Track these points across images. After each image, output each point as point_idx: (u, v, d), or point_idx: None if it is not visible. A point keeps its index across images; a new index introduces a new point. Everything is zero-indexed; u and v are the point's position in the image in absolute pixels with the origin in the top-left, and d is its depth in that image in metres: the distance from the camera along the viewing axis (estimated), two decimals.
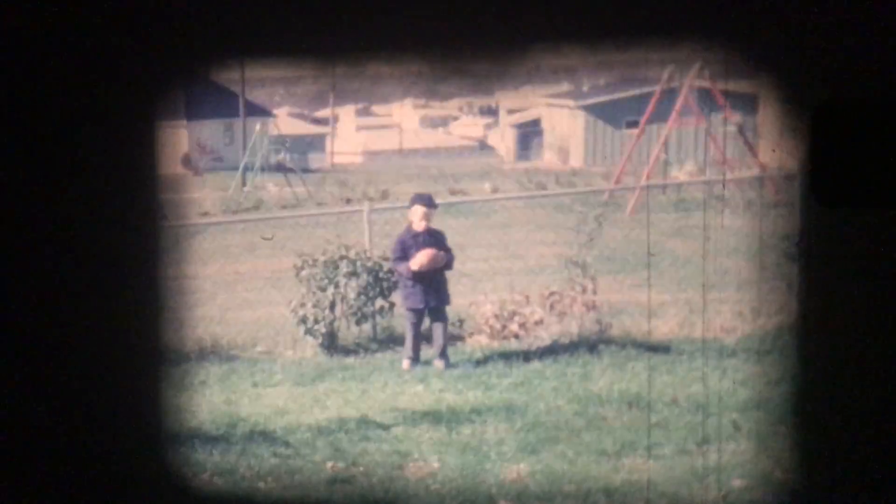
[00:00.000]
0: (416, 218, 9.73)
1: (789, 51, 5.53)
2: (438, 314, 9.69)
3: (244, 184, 14.09)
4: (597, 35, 6.03)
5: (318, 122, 15.57)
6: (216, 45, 7.06)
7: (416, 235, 9.71)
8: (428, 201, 9.89)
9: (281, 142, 14.43)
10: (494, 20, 6.00)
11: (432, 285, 9.67)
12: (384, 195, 13.69)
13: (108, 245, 6.66)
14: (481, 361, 9.57)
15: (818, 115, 5.27)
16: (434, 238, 9.73)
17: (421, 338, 9.68)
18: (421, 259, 9.59)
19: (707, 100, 11.25)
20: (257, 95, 14.45)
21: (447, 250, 9.78)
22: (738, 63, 6.02)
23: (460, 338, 10.19)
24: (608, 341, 9.70)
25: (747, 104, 9.88)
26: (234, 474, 7.65)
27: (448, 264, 9.78)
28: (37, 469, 6.84)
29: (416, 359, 9.56)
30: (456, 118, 15.67)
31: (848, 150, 5.30)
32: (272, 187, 14.25)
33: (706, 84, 11.09)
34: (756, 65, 5.83)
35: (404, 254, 9.70)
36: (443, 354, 9.58)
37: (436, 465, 7.63)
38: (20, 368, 6.79)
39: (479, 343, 10.09)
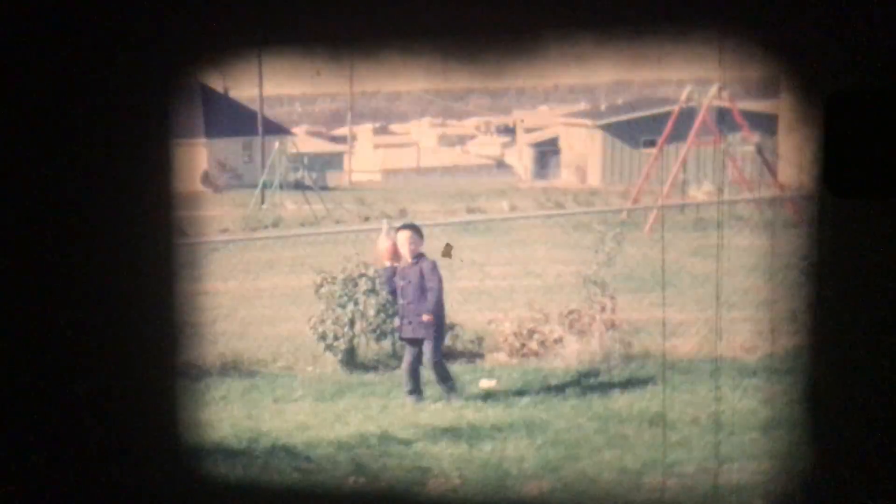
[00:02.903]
0: (401, 244, 9.60)
1: (803, 40, 5.54)
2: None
3: (263, 201, 14.11)
4: (608, 22, 6.04)
5: (336, 140, 15.61)
6: (231, 54, 7.10)
7: (403, 266, 9.57)
8: (412, 227, 9.70)
9: (299, 160, 14.47)
10: (507, 9, 6.04)
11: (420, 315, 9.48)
12: (402, 213, 13.71)
13: (129, 262, 6.69)
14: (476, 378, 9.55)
15: (830, 106, 5.28)
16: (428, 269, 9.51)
17: (415, 368, 9.44)
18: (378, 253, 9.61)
19: (726, 119, 11.26)
20: (276, 114, 14.50)
21: (437, 279, 9.50)
22: (751, 53, 6.02)
23: (479, 355, 10.19)
24: (628, 360, 9.70)
25: (766, 124, 9.92)
26: (256, 489, 7.66)
27: (428, 291, 9.35)
28: (59, 483, 6.86)
29: (414, 391, 9.30)
30: (473, 137, 15.68)
31: (861, 141, 5.30)
32: (291, 205, 14.27)
33: (725, 104, 11.09)
34: (769, 54, 5.84)
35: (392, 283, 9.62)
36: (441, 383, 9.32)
37: (457, 481, 7.62)
38: (43, 386, 6.81)
39: (497, 361, 10.08)
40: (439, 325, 9.43)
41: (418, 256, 9.43)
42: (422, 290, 9.35)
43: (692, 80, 11.06)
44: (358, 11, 6.23)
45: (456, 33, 6.36)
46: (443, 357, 9.45)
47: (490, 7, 6.06)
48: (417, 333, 9.34)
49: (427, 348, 9.30)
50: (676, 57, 6.79)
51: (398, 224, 10.30)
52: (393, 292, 9.63)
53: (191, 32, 6.51)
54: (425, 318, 9.27)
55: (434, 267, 9.41)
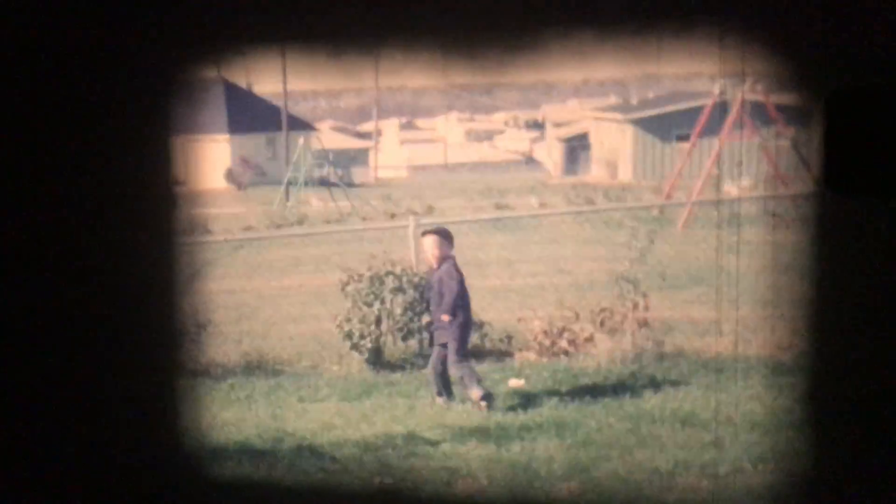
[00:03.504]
0: (426, 249, 9.47)
1: (803, 36, 5.46)
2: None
3: (288, 198, 14.09)
4: (608, 16, 5.95)
5: (361, 136, 15.57)
6: (254, 49, 7.02)
7: (431, 272, 9.40)
8: (439, 231, 9.40)
9: (324, 156, 14.44)
10: (510, 6, 5.96)
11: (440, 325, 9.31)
12: (429, 210, 13.65)
13: (139, 261, 6.62)
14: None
15: (831, 103, 5.20)
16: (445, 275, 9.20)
17: (439, 372, 9.21)
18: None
19: (760, 114, 11.13)
20: (300, 109, 14.46)
21: (456, 282, 9.27)
22: (758, 46, 5.93)
23: (508, 354, 10.09)
24: (661, 358, 9.59)
25: (802, 118, 9.73)
26: (280, 489, 7.60)
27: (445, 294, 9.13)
28: (78, 485, 6.80)
29: (441, 392, 9.14)
30: (501, 132, 15.62)
31: (862, 138, 5.23)
32: (316, 202, 14.25)
33: (759, 98, 10.95)
34: (772, 50, 5.76)
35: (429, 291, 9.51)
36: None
37: (485, 482, 7.55)
38: (59, 390, 6.75)
39: (527, 360, 9.98)
40: (460, 327, 9.17)
41: (445, 261, 9.24)
42: (440, 294, 9.21)
43: (718, 74, 10.93)
44: (382, 6, 6.15)
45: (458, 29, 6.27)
46: (468, 359, 9.22)
47: (493, 4, 5.98)
48: (440, 339, 9.19)
49: (449, 350, 9.11)
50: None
51: (425, 226, 10.16)
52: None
53: (212, 27, 6.43)
54: (444, 318, 9.12)
55: (450, 270, 9.20)
